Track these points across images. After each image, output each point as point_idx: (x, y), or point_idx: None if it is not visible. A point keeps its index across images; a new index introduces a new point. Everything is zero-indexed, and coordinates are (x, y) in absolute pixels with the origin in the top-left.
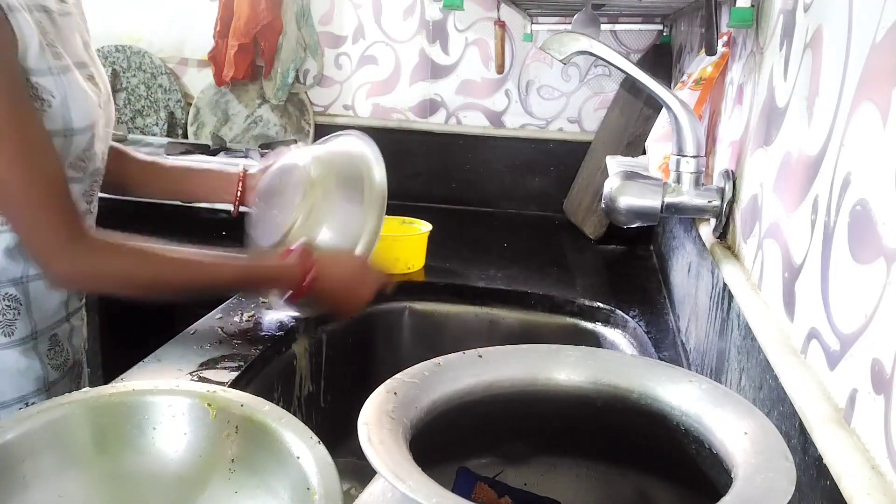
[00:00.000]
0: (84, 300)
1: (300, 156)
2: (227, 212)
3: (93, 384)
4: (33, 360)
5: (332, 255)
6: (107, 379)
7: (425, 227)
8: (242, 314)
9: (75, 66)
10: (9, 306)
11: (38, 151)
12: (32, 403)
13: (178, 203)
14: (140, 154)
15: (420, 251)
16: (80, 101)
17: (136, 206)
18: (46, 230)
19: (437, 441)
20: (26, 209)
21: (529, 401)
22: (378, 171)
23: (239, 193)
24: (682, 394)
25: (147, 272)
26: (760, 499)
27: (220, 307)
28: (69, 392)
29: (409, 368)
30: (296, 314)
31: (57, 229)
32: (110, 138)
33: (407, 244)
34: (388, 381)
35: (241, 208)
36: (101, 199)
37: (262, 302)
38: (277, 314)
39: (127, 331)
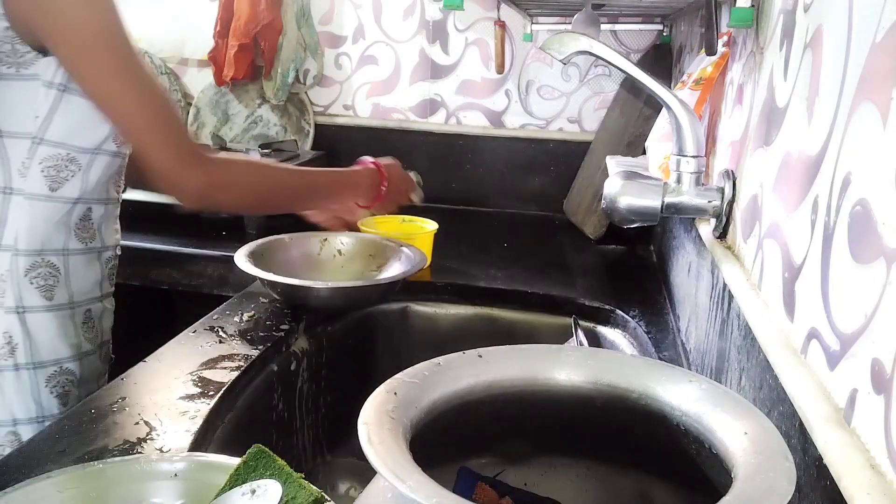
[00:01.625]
0: (113, 286)
1: None
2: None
3: None
4: (69, 327)
5: (390, 164)
6: (109, 377)
7: (430, 224)
8: (242, 314)
9: None
10: (50, 272)
11: (160, 87)
12: (66, 368)
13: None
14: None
15: (429, 248)
16: None
17: (138, 206)
18: (177, 154)
19: (437, 441)
20: (158, 139)
21: (529, 401)
22: None
23: None
24: (682, 394)
25: (268, 180)
26: (760, 498)
27: (219, 307)
28: (100, 366)
29: (409, 368)
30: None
31: (185, 152)
32: None
33: (420, 241)
34: (388, 381)
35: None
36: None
37: (262, 302)
38: (277, 314)
39: (128, 331)
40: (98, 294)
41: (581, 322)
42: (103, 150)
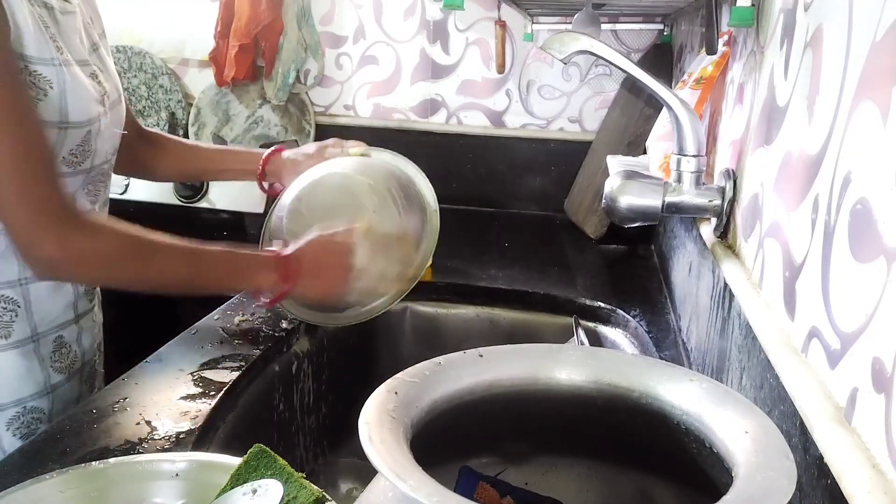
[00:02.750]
0: (94, 302)
1: (344, 166)
2: (228, 212)
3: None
4: (32, 362)
5: (314, 243)
6: (108, 379)
7: None
8: (244, 314)
9: (77, 63)
10: (5, 308)
11: (27, 132)
12: (32, 407)
13: (180, 203)
14: (172, 137)
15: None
16: (80, 95)
17: (138, 206)
18: (32, 210)
19: (438, 440)
20: (12, 190)
21: (530, 400)
22: (430, 196)
23: (260, 169)
24: (682, 393)
25: (142, 255)
26: (761, 497)
27: (221, 307)
28: (76, 395)
29: (409, 368)
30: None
31: (43, 210)
32: (118, 139)
33: None
34: (389, 380)
35: (266, 184)
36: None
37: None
38: (279, 314)
39: (129, 331)
40: (72, 316)
41: (582, 322)
42: None
